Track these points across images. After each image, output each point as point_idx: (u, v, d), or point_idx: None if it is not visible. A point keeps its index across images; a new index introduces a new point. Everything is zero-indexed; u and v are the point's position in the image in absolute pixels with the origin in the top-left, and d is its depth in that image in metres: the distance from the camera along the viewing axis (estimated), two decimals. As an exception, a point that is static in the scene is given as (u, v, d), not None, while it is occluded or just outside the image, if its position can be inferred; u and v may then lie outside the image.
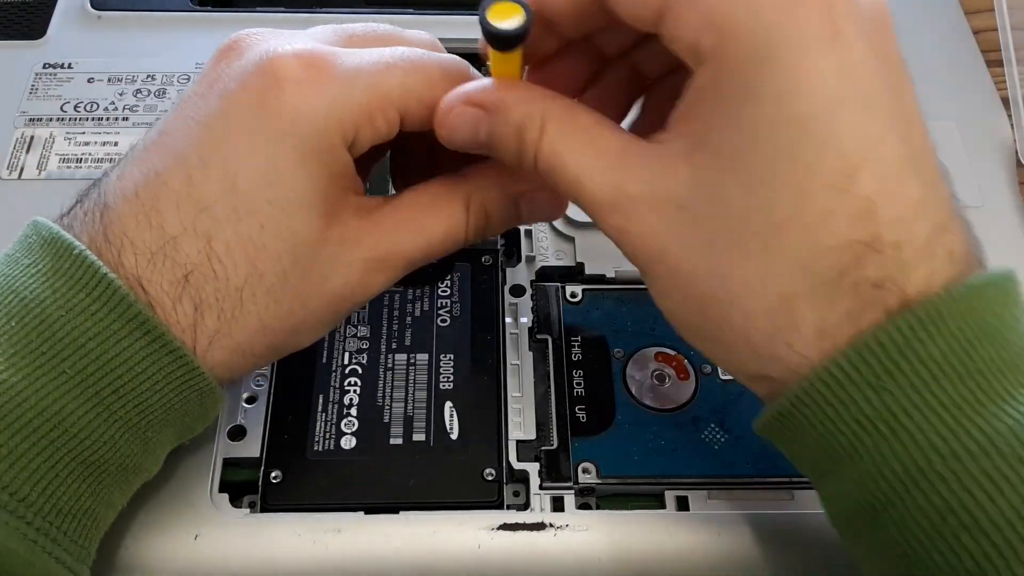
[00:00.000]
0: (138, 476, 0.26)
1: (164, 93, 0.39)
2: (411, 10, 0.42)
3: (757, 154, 0.21)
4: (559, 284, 0.34)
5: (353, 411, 0.31)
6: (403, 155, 0.31)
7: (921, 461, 0.21)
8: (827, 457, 0.23)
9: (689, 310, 0.24)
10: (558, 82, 0.26)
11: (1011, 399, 0.21)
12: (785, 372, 0.22)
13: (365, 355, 0.32)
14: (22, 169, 0.37)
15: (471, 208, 0.27)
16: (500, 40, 0.23)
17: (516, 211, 0.28)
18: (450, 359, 0.32)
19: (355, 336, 0.32)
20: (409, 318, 0.33)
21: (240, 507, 0.29)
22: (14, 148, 0.37)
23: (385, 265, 0.26)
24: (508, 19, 0.23)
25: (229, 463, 0.30)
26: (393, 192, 0.32)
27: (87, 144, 0.37)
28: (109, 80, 0.40)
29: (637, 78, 0.28)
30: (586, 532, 0.28)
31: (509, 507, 0.29)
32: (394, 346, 0.32)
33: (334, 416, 0.31)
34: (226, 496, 0.29)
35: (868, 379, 0.21)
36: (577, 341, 0.33)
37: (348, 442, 0.30)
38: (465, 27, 0.40)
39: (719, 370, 0.32)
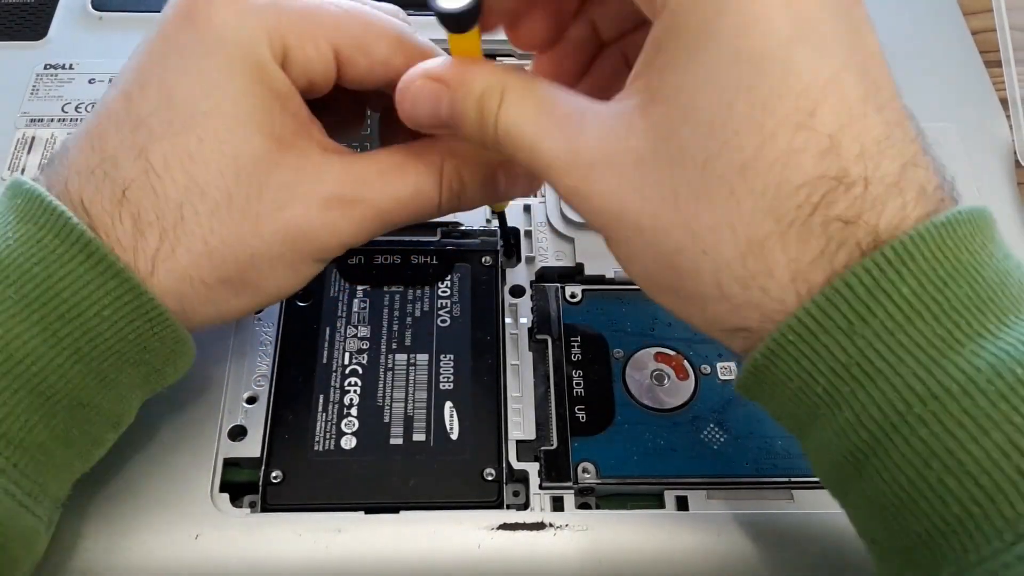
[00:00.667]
0: (100, 416, 0.25)
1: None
2: (410, 11, 0.42)
3: (714, 96, 0.21)
4: (559, 284, 0.34)
5: (353, 411, 0.31)
6: (388, 122, 0.31)
7: (899, 405, 0.20)
8: (806, 410, 0.22)
9: (659, 267, 0.23)
10: (523, 40, 0.27)
11: (990, 335, 0.20)
12: (762, 320, 0.22)
13: (365, 355, 0.32)
14: (23, 170, 0.37)
15: (445, 172, 0.27)
16: (452, 20, 0.23)
17: (493, 182, 0.28)
18: (450, 359, 0.32)
19: (355, 336, 0.33)
20: (409, 318, 0.33)
21: (240, 507, 0.29)
22: (15, 148, 0.37)
23: (351, 208, 0.26)
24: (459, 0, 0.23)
25: (229, 463, 0.30)
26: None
27: (88, 145, 0.37)
28: (110, 81, 0.39)
29: (594, 40, 0.28)
30: (586, 532, 0.28)
31: (509, 507, 0.29)
32: (394, 346, 0.32)
33: (334, 416, 0.31)
34: (226, 496, 0.29)
35: (840, 324, 0.21)
36: (577, 341, 0.33)
37: (348, 442, 0.30)
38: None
39: (719, 370, 0.32)
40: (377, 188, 0.26)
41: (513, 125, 0.24)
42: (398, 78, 0.26)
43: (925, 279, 0.20)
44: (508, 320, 0.33)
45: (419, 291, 0.34)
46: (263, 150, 0.25)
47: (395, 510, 0.29)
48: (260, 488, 0.29)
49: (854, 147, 0.21)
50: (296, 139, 0.25)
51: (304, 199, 0.25)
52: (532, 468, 0.30)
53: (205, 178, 0.24)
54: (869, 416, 0.21)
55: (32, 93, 0.39)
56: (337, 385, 0.31)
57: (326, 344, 0.32)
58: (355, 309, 0.33)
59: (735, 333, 0.23)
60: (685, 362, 0.32)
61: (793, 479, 0.30)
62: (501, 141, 0.25)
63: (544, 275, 0.35)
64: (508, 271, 0.35)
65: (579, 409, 0.31)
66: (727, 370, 0.32)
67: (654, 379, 0.32)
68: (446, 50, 0.26)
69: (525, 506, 0.29)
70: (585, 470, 0.30)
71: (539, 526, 0.28)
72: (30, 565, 0.25)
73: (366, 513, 0.29)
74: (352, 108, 0.31)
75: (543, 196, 0.37)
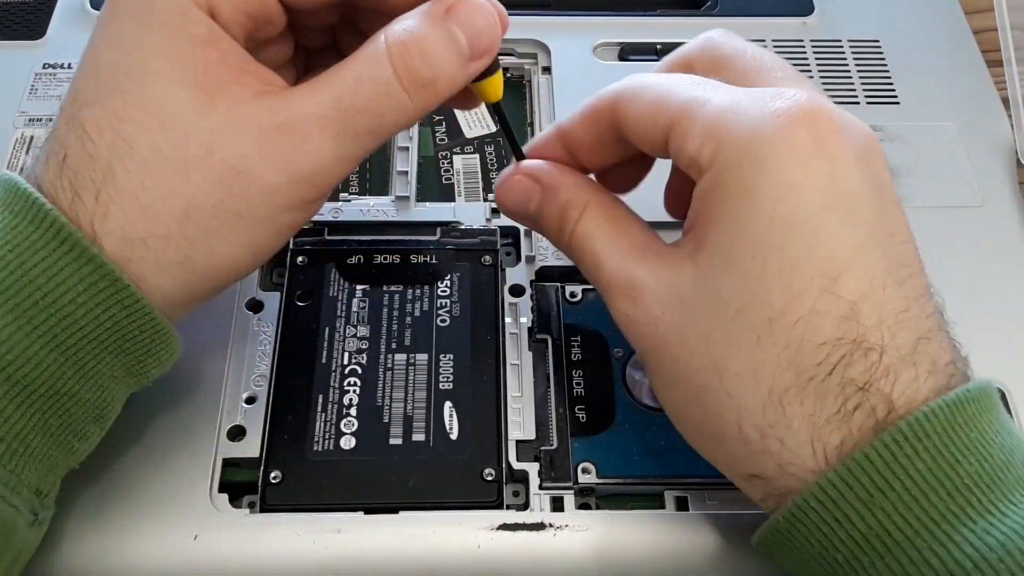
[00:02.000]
0: (80, 407, 0.25)
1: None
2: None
3: (749, 251, 0.23)
4: (559, 284, 0.34)
5: (353, 411, 0.31)
6: (345, 36, 0.30)
7: None
8: (826, 574, 0.23)
9: (688, 402, 0.25)
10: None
11: (999, 513, 0.21)
12: (777, 471, 0.23)
13: (365, 355, 0.32)
14: (21, 169, 0.36)
15: (394, 54, 0.24)
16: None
17: (453, 38, 0.25)
18: (450, 359, 0.32)
19: (355, 336, 0.32)
20: (409, 318, 0.33)
21: (240, 507, 0.29)
22: (14, 148, 0.37)
23: (289, 131, 0.24)
24: None
25: (229, 463, 0.30)
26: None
27: (87, 144, 0.37)
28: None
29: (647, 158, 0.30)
30: (586, 532, 0.28)
31: (509, 507, 0.29)
32: (394, 346, 0.32)
33: (334, 416, 0.31)
34: (226, 496, 0.29)
35: (860, 495, 0.22)
36: (577, 341, 0.33)
37: (348, 442, 0.30)
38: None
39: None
40: (310, 97, 0.25)
41: (586, 238, 0.27)
42: None
43: (939, 455, 0.22)
44: (508, 320, 0.33)
45: (418, 291, 0.34)
46: (187, 98, 0.24)
47: (394, 510, 0.29)
48: (259, 488, 0.29)
49: (873, 316, 0.22)
50: (228, 84, 0.25)
51: (233, 136, 0.24)
52: (532, 468, 0.30)
53: (132, 134, 0.24)
54: None
55: (31, 93, 0.39)
56: (336, 385, 0.31)
57: (325, 344, 0.32)
58: (354, 309, 0.33)
59: (752, 479, 0.24)
60: (685, 362, 0.32)
61: (794, 479, 0.30)
62: (573, 248, 0.28)
63: (544, 275, 0.35)
64: (508, 270, 0.35)
65: (579, 409, 0.31)
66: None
67: (654, 379, 0.32)
68: None
69: (525, 506, 0.29)
70: (585, 470, 0.30)
71: (539, 526, 0.28)
72: (9, 560, 0.24)
73: (365, 513, 0.29)
74: (319, 35, 0.30)
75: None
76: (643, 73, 0.27)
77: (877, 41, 0.42)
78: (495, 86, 0.27)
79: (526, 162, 0.29)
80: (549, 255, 0.35)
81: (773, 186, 0.23)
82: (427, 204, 0.36)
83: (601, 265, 0.27)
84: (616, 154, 0.28)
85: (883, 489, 0.22)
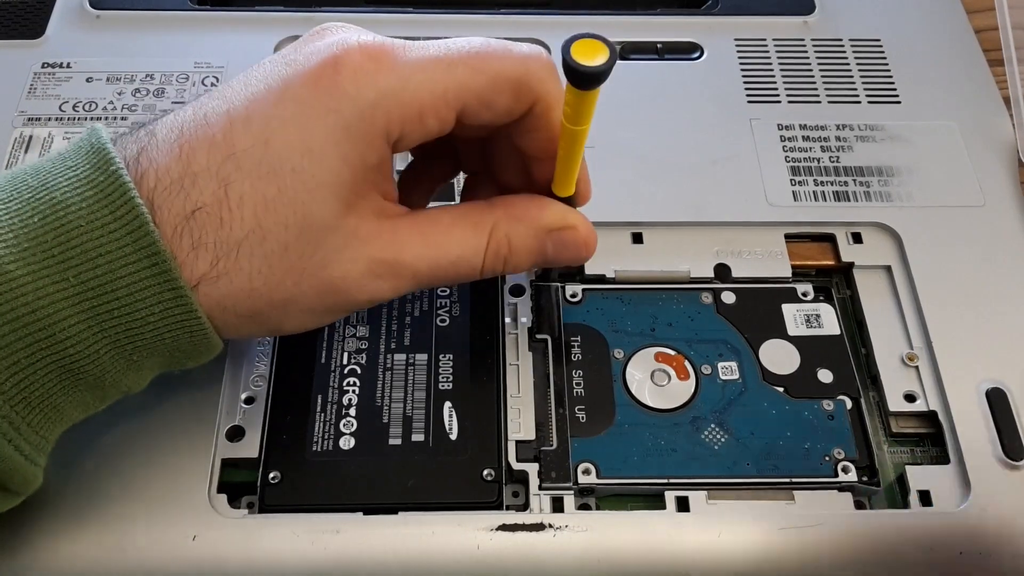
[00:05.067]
0: (117, 390, 0.26)
1: (163, 93, 0.39)
2: (411, 9, 0.42)
3: None
4: (559, 284, 0.34)
5: (352, 411, 0.31)
6: (473, 181, 0.32)
7: None
8: None
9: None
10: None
11: None
12: None
13: (364, 355, 0.32)
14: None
15: (494, 235, 0.28)
16: (581, 78, 0.23)
17: (542, 248, 0.28)
18: (449, 359, 0.32)
19: (354, 336, 0.32)
20: (408, 318, 0.33)
21: (238, 508, 0.29)
22: (13, 148, 0.37)
23: (389, 271, 0.26)
24: (592, 57, 0.23)
25: (227, 464, 0.30)
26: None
27: (86, 144, 0.37)
28: (108, 80, 0.39)
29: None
30: (585, 533, 0.28)
31: (508, 508, 0.29)
32: (393, 346, 0.32)
33: (333, 416, 0.30)
34: (224, 497, 0.29)
35: None
36: (577, 341, 0.33)
37: (347, 442, 0.30)
38: (465, 27, 0.40)
39: (719, 370, 0.32)
40: (417, 251, 0.27)
41: None
42: (513, 120, 0.27)
43: None
44: (508, 320, 0.33)
45: (418, 290, 0.33)
46: (331, 214, 0.25)
47: (394, 511, 0.29)
48: (258, 489, 0.29)
49: None
50: (362, 203, 0.26)
51: (349, 263, 0.26)
52: (532, 469, 0.30)
53: (270, 227, 0.25)
54: None
55: (30, 92, 0.39)
56: (335, 385, 0.31)
57: (324, 344, 0.32)
58: (354, 309, 0.33)
59: None
60: (686, 362, 0.32)
61: (794, 480, 0.30)
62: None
63: (544, 274, 0.35)
64: (508, 270, 0.34)
65: (579, 409, 0.31)
66: (728, 370, 0.32)
67: (654, 379, 0.32)
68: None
69: (525, 507, 0.29)
70: (585, 471, 0.30)
71: (539, 527, 0.28)
72: (21, 498, 0.26)
73: (364, 514, 0.28)
74: (448, 155, 0.31)
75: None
76: None
77: (878, 40, 0.42)
78: None
79: (566, 216, 0.29)
80: (549, 255, 0.35)
81: None
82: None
83: None
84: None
85: None
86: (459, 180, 0.36)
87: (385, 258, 0.26)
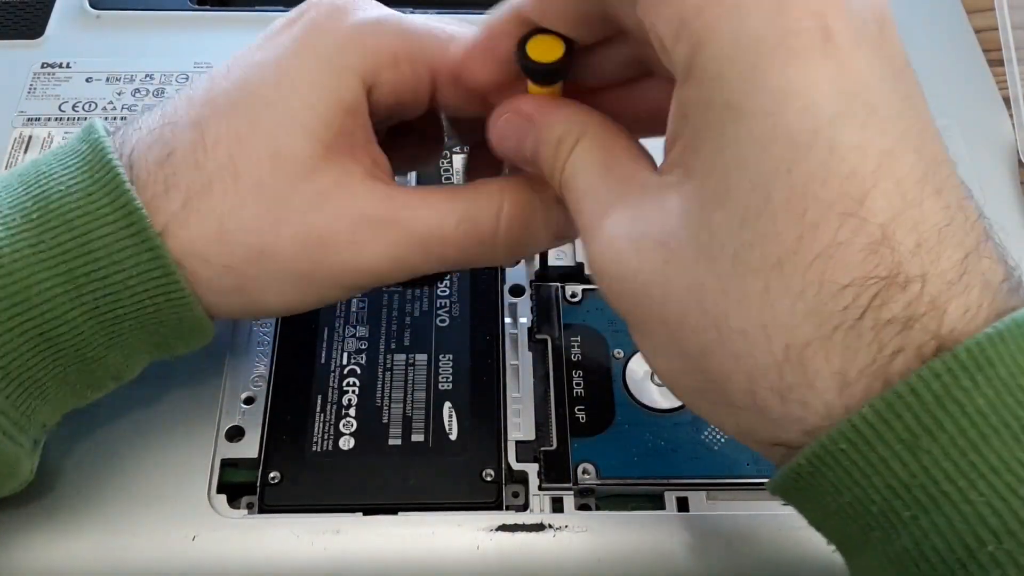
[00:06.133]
0: (102, 369, 0.25)
1: (162, 92, 0.39)
2: (410, 9, 0.42)
3: (748, 180, 0.18)
4: (559, 284, 0.34)
5: (352, 412, 0.31)
6: (477, 161, 0.30)
7: (970, 539, 0.17)
8: (857, 528, 0.19)
9: (685, 370, 0.21)
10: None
11: None
12: (802, 438, 0.19)
13: (364, 355, 0.32)
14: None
15: (506, 205, 0.25)
16: (537, 74, 0.23)
17: (564, 220, 0.26)
18: (449, 359, 0.32)
19: (354, 336, 0.32)
20: (408, 318, 0.33)
21: (238, 508, 0.29)
22: (12, 148, 0.37)
23: (383, 229, 0.25)
24: (548, 52, 0.23)
25: (227, 464, 0.30)
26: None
27: (85, 144, 0.37)
28: (107, 80, 0.39)
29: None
30: (585, 533, 0.28)
31: (508, 508, 0.29)
32: (393, 346, 0.32)
33: (332, 417, 0.30)
34: (224, 497, 0.29)
35: (901, 436, 0.18)
36: (577, 341, 0.33)
37: (347, 443, 0.30)
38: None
39: (719, 370, 0.32)
40: (415, 211, 0.25)
41: (574, 174, 0.23)
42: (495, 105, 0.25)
43: (1004, 389, 0.17)
44: (508, 320, 0.33)
45: (418, 290, 0.33)
46: (308, 154, 0.24)
47: (393, 511, 0.29)
48: (258, 489, 0.29)
49: (910, 239, 0.18)
50: (346, 157, 0.25)
51: (334, 210, 0.24)
52: (531, 469, 0.30)
53: (243, 162, 0.24)
54: (932, 548, 0.18)
55: (29, 92, 0.39)
56: (335, 385, 0.31)
57: (324, 344, 0.32)
58: (353, 309, 0.33)
59: (773, 448, 0.20)
60: (686, 362, 0.32)
61: (794, 480, 0.29)
62: (563, 188, 0.23)
63: (544, 275, 0.35)
64: (508, 270, 0.34)
65: (579, 409, 0.31)
66: (728, 370, 0.32)
67: (654, 379, 0.32)
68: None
69: (524, 507, 0.29)
70: (585, 471, 0.30)
71: (538, 527, 0.28)
72: (10, 489, 0.26)
73: (364, 514, 0.28)
74: (433, 137, 0.30)
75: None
76: None
77: (878, 40, 0.42)
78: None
79: (516, 98, 0.25)
80: (549, 255, 0.35)
81: (769, 97, 0.18)
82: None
83: (580, 204, 0.22)
84: (590, 34, 0.24)
85: (931, 429, 0.17)
86: (459, 181, 0.36)
87: (378, 215, 0.25)
